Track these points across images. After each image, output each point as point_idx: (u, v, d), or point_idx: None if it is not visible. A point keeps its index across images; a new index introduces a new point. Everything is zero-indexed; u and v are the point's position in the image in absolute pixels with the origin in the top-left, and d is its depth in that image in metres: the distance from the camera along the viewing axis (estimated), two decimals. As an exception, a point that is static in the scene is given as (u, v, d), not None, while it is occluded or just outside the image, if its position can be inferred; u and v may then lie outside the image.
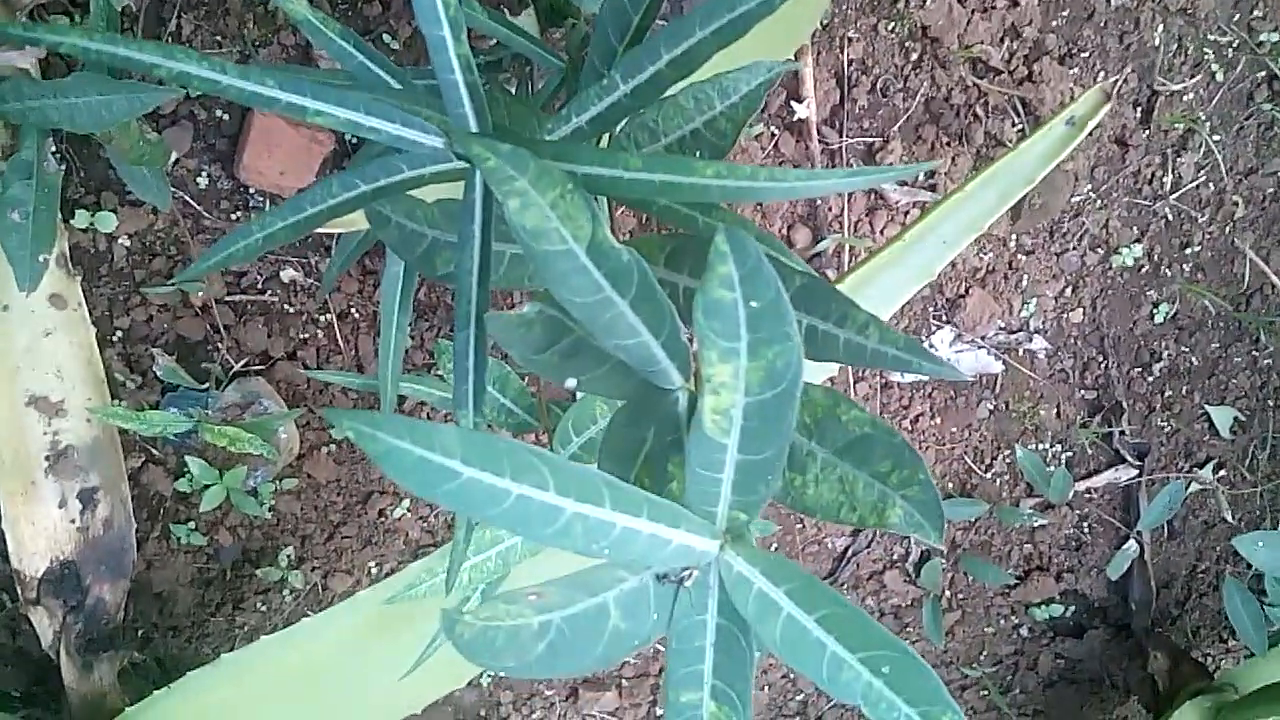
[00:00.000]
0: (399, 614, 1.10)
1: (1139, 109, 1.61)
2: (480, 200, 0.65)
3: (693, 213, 0.72)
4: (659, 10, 0.75)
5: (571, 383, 0.61)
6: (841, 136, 1.52)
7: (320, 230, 1.40)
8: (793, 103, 1.48)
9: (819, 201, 1.52)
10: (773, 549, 1.69)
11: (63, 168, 1.27)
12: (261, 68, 0.57)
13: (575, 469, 0.48)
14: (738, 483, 0.49)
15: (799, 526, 1.69)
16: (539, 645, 0.50)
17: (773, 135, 1.49)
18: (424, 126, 0.60)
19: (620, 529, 0.48)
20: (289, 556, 1.49)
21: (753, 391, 0.47)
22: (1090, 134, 1.47)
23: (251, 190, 1.34)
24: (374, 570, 1.55)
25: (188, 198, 1.33)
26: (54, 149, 1.11)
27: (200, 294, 1.36)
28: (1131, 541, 1.77)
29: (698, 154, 0.76)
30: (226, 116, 1.31)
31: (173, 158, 1.30)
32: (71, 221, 1.28)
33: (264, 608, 1.51)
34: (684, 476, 0.59)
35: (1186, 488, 1.78)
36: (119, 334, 1.36)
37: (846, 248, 1.54)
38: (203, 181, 1.33)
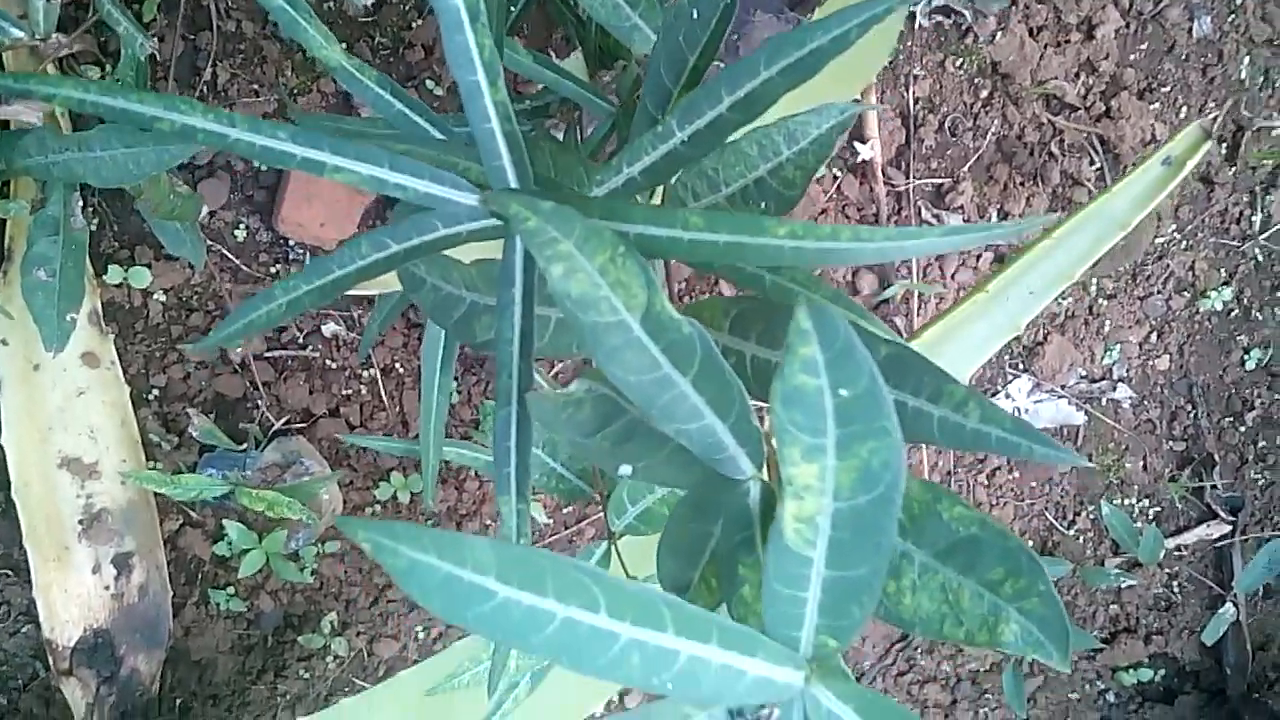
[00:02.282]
0: (445, 703, 1.02)
1: (1225, 145, 1.52)
2: (521, 262, 0.58)
3: (759, 271, 0.64)
4: (717, 49, 0.68)
5: (626, 470, 0.53)
6: (908, 178, 1.44)
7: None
8: (856, 144, 1.40)
9: (885, 246, 1.44)
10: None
11: (94, 222, 1.23)
12: (273, 121, 0.51)
13: (631, 588, 0.40)
14: (825, 604, 0.41)
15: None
16: (589, 790, 0.43)
17: (835, 178, 1.41)
18: (457, 182, 0.53)
19: (686, 658, 0.40)
20: (332, 622, 1.42)
21: (843, 496, 0.39)
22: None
23: (291, 242, 1.29)
24: (420, 635, 1.47)
25: (225, 251, 1.28)
26: (83, 203, 1.06)
27: (239, 350, 1.30)
28: (1229, 604, 1.66)
29: (762, 205, 0.68)
30: (264, 167, 1.26)
31: (210, 210, 1.25)
32: (104, 277, 1.23)
33: (307, 675, 1.44)
34: (757, 581, 0.51)
35: (1284, 545, 1.66)
36: (155, 392, 1.31)
37: (916, 294, 1.46)
38: (240, 234, 1.28)
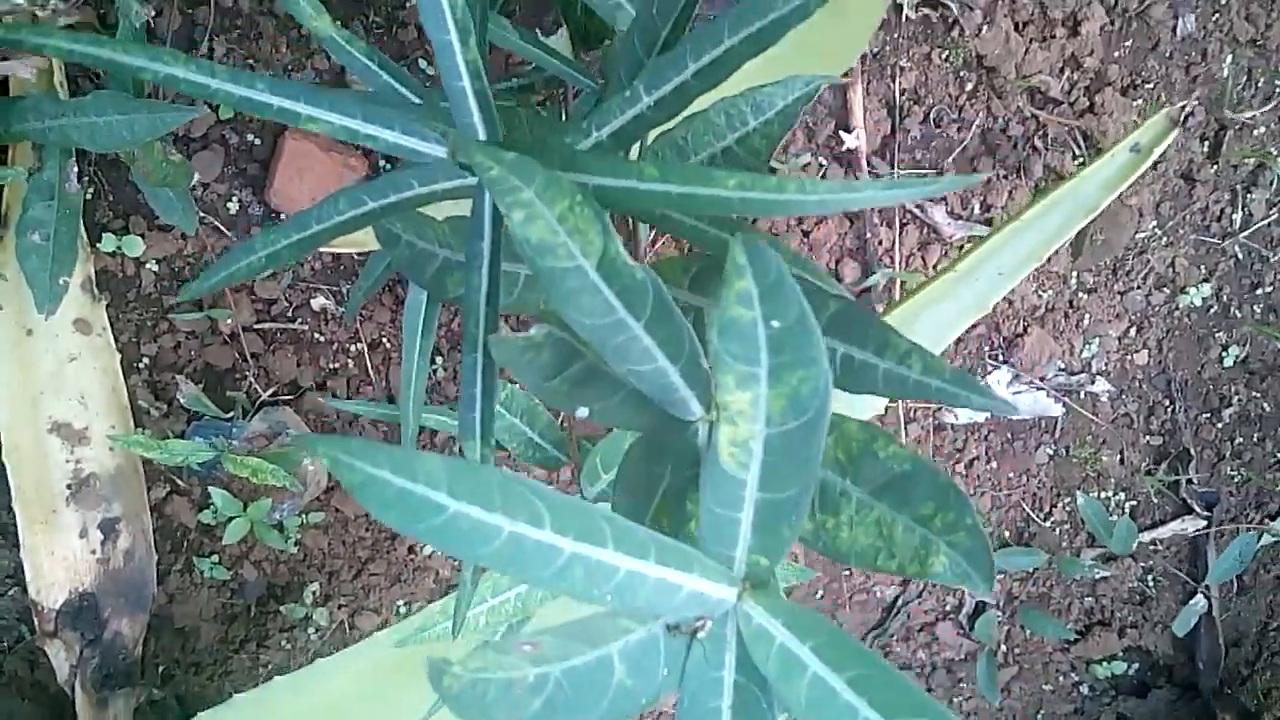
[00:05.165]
0: (420, 654, 1.04)
1: (1206, 143, 1.54)
2: (489, 215, 0.60)
3: (722, 234, 0.67)
4: (689, 22, 0.71)
5: (583, 412, 0.56)
6: (893, 168, 1.46)
7: (352, 256, 1.36)
8: (841, 133, 1.43)
9: (868, 234, 1.47)
10: (818, 596, 1.63)
11: (89, 191, 1.25)
12: (252, 73, 0.53)
13: (574, 504, 0.43)
14: (758, 524, 0.44)
15: (845, 574, 1.62)
16: (535, 701, 0.45)
17: (821, 166, 1.44)
18: (425, 135, 0.55)
19: (625, 573, 0.43)
20: (314, 593, 1.45)
21: (774, 422, 0.42)
22: (1155, 167, 1.40)
23: (283, 215, 1.31)
24: (402, 609, 1.50)
25: (218, 223, 1.30)
26: (78, 170, 1.08)
27: (229, 321, 1.33)
28: (1200, 596, 1.68)
29: (730, 171, 0.70)
30: (258, 141, 1.29)
31: (203, 182, 1.28)
32: (98, 245, 1.26)
33: (288, 646, 1.47)
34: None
35: (1258, 540, 1.69)
36: (145, 361, 1.33)
37: (898, 283, 1.48)
38: (233, 207, 1.30)
